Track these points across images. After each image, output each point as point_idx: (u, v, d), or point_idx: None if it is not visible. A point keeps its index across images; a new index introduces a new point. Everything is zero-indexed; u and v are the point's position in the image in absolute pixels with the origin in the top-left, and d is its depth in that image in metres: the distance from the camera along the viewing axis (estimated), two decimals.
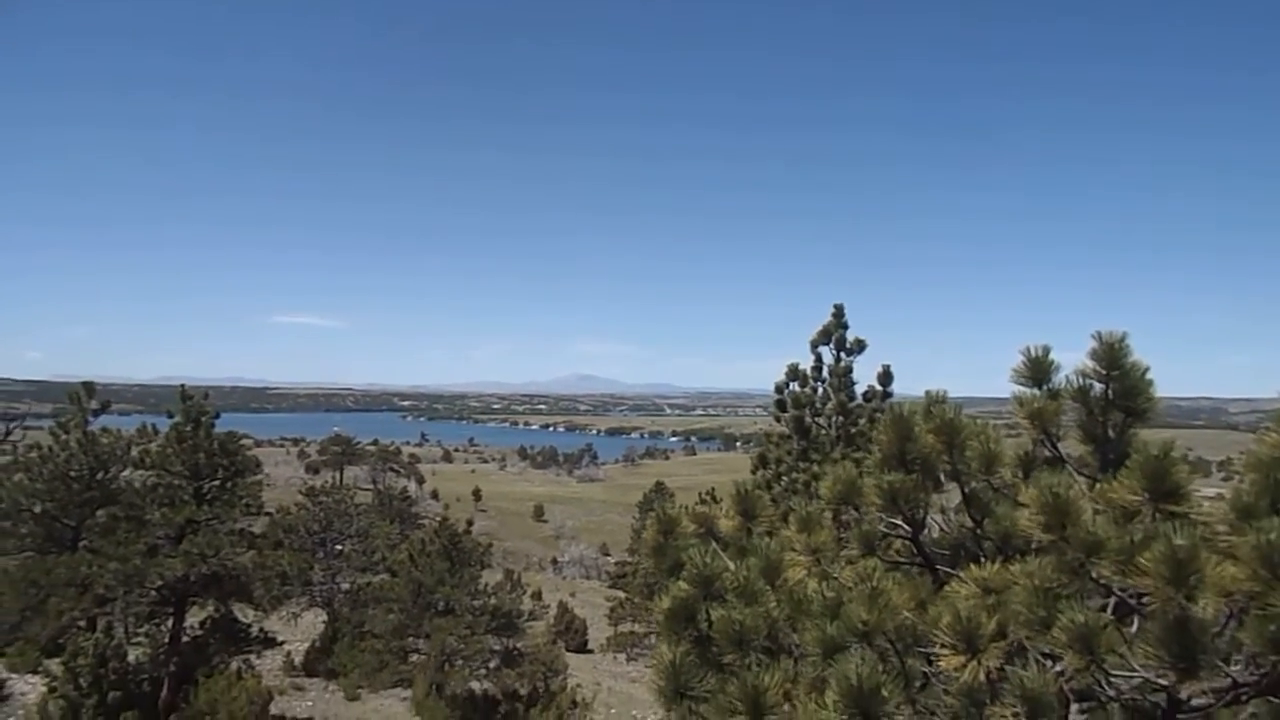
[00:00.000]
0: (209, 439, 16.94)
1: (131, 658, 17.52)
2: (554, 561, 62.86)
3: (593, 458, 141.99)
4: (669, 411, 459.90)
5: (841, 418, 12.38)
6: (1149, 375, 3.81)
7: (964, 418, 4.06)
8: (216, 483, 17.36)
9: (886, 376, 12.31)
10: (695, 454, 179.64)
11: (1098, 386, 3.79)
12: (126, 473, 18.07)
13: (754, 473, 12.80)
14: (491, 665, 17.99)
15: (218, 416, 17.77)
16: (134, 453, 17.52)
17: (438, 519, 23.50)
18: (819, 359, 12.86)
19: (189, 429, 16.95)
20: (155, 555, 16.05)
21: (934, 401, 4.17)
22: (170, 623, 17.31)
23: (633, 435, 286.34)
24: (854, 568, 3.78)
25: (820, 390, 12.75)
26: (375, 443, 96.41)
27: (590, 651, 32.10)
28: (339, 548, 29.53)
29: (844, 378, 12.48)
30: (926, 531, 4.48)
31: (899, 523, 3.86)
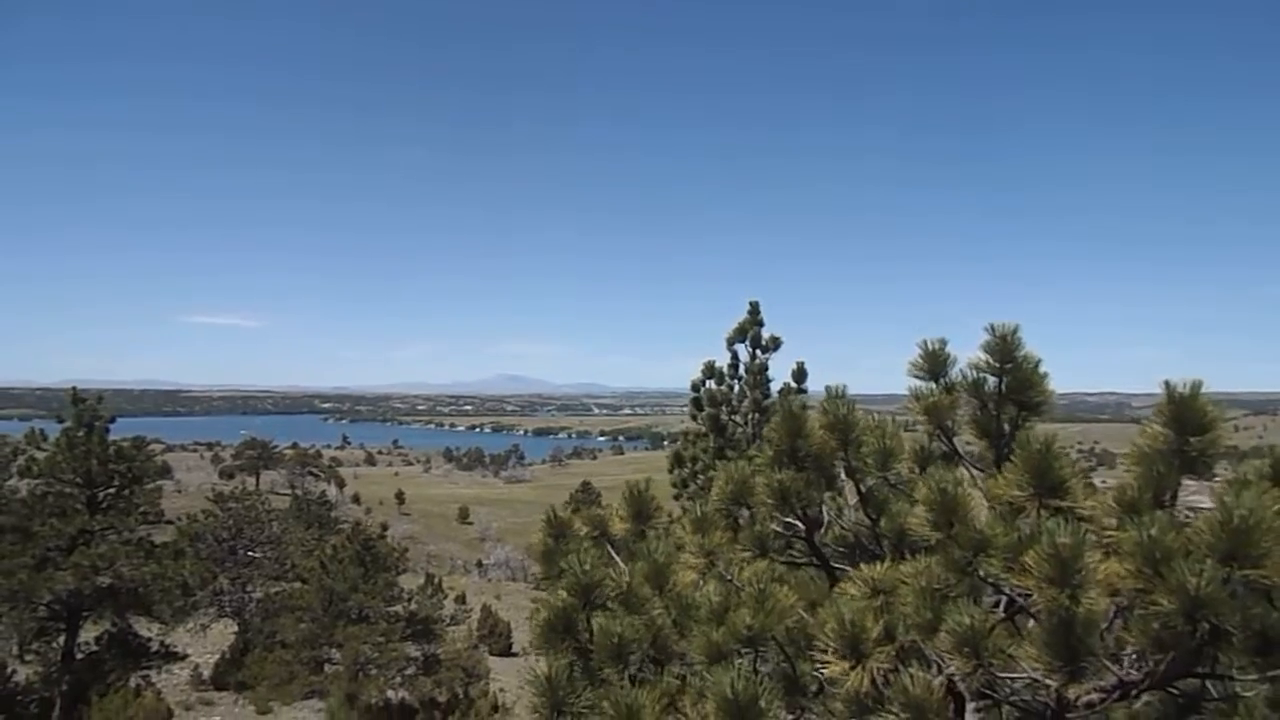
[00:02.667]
0: (103, 444, 16.09)
1: (20, 677, 16.56)
2: (479, 564, 61.99)
3: (519, 458, 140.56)
4: (597, 411, 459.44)
5: (757, 415, 12.36)
6: (1042, 368, 3.75)
7: (859, 413, 3.96)
8: (112, 490, 16.52)
9: (800, 373, 12.33)
10: (623, 453, 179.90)
11: (991, 380, 3.72)
12: (12, 482, 17.01)
13: (670, 471, 12.70)
14: (408, 673, 17.51)
15: (113, 420, 16.90)
16: (20, 460, 16.51)
17: (354, 523, 22.83)
18: (735, 356, 12.84)
19: (81, 434, 16.07)
20: (44, 568, 15.17)
21: (833, 397, 4.07)
22: (62, 639, 16.40)
23: (560, 435, 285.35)
24: (750, 569, 3.64)
25: (736, 388, 12.72)
26: (294, 446, 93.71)
27: (515, 654, 31.64)
28: (252, 555, 28.48)
29: (759, 375, 12.47)
30: (827, 530, 4.38)
31: (794, 521, 3.74)
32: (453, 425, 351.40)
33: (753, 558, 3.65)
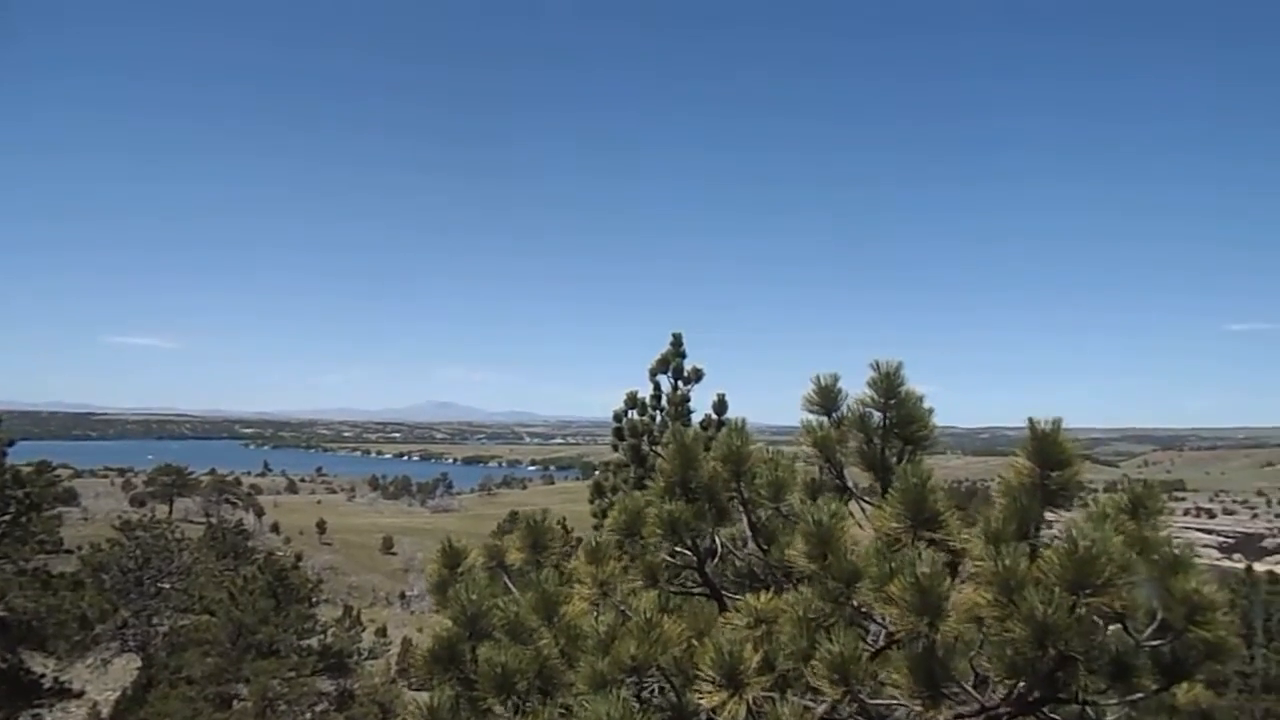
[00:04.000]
0: None
1: None
2: (402, 596, 60.78)
3: (447, 487, 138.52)
4: (528, 440, 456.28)
5: None
6: (925, 403, 3.91)
7: (754, 445, 4.07)
8: (7, 518, 15.75)
9: (721, 405, 12.47)
10: (553, 483, 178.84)
11: (876, 415, 3.85)
12: None
13: (591, 502, 12.69)
14: (320, 709, 17.01)
15: (11, 444, 16.17)
16: None
17: (267, 553, 22.19)
18: (658, 387, 12.92)
19: None
20: None
21: (731, 430, 4.17)
22: None
23: (490, 464, 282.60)
24: (642, 599, 3.69)
25: (658, 418, 12.79)
26: (211, 472, 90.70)
27: None
28: (160, 586, 27.43)
29: (681, 406, 12.57)
30: (725, 560, 4.46)
31: (686, 551, 3.80)
32: (380, 453, 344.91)
33: (644, 587, 3.70)
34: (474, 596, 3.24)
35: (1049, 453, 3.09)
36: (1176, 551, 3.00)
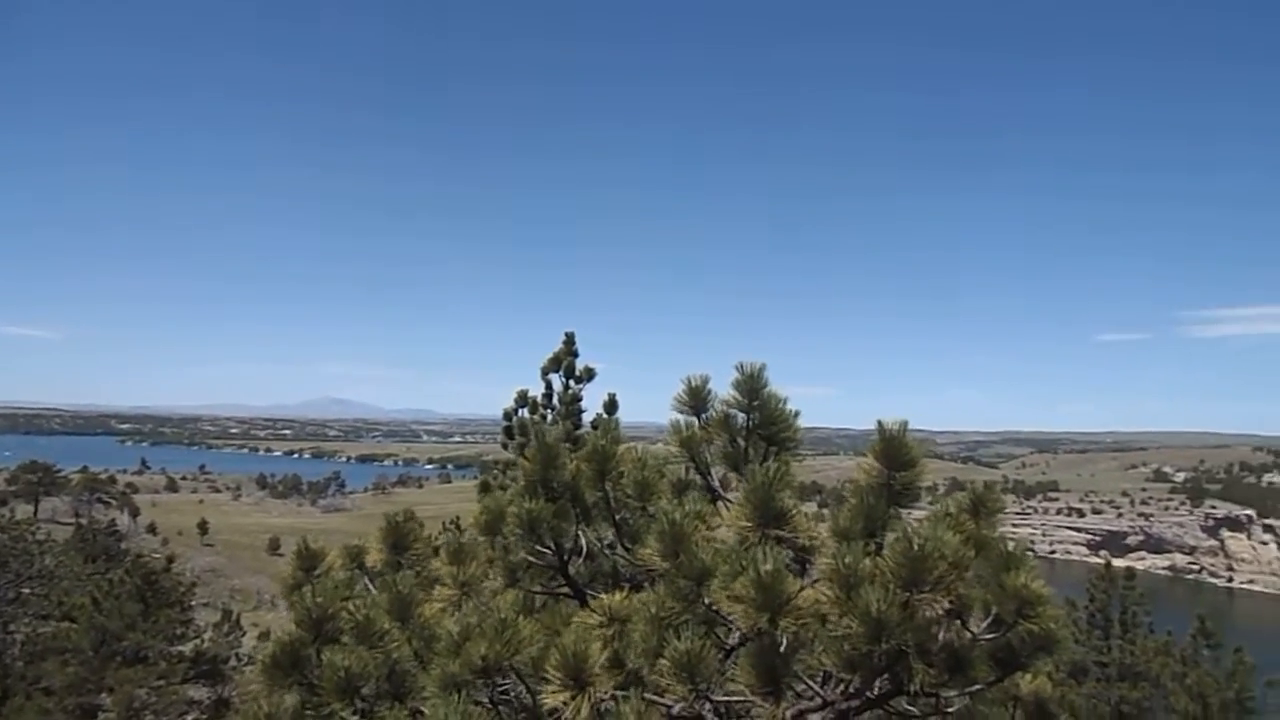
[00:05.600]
0: None
1: None
2: None
3: (340, 486, 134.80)
4: (426, 438, 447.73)
5: (569, 445, 12.39)
6: (788, 405, 3.99)
7: (622, 446, 4.08)
8: None
9: (612, 405, 12.48)
10: (451, 482, 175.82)
11: (740, 416, 3.91)
12: None
13: (479, 501, 12.52)
14: (190, 718, 16.26)
15: None
16: None
17: (135, 555, 21.13)
18: (549, 386, 12.85)
19: None
20: None
21: (603, 429, 4.17)
22: None
23: (386, 462, 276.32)
24: (500, 599, 3.65)
25: (550, 418, 12.72)
26: (83, 470, 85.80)
27: None
28: (21, 591, 25.75)
29: (572, 405, 12.54)
30: (594, 559, 4.45)
31: (547, 551, 3.78)
32: (269, 450, 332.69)
33: (505, 587, 3.66)
34: (320, 599, 3.13)
35: (895, 454, 3.19)
36: (1010, 548, 3.14)
